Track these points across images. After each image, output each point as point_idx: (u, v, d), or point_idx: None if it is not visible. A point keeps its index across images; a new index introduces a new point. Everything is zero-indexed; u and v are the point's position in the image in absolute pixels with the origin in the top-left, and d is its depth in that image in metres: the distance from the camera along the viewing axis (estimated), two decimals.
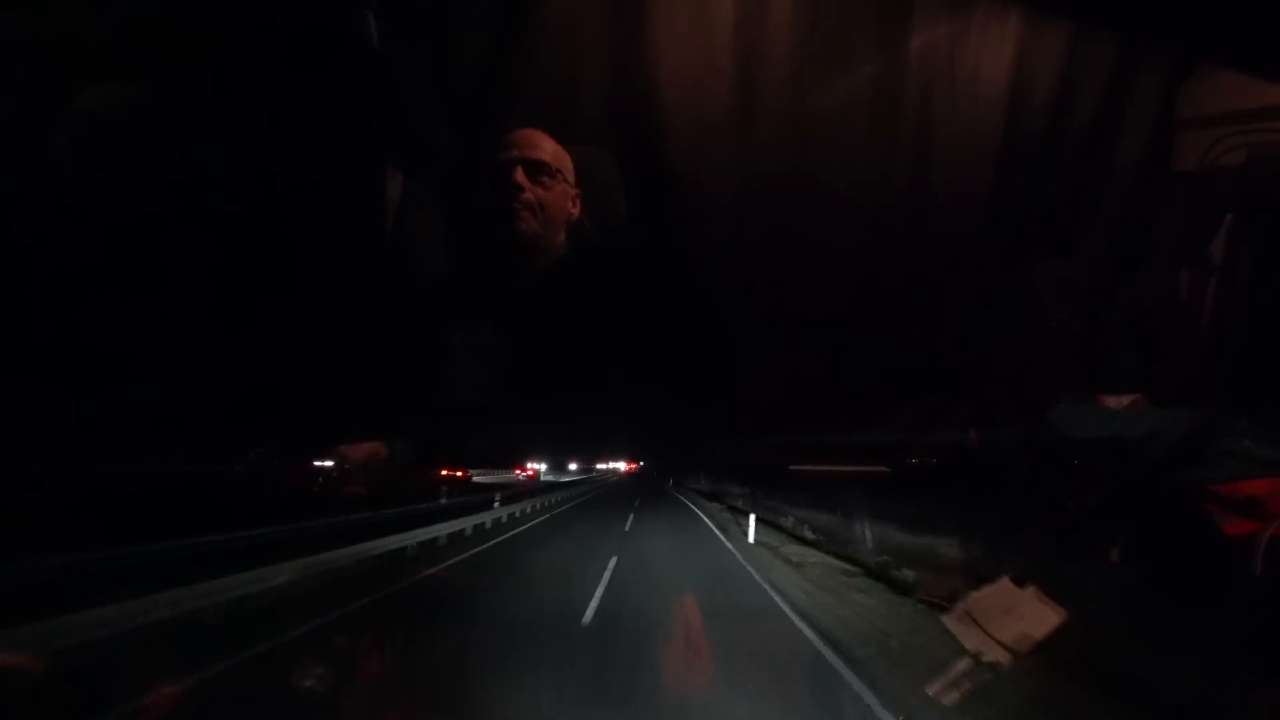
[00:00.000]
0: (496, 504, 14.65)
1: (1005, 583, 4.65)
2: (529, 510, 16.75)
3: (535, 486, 25.37)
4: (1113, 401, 3.85)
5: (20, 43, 2.52)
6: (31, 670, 3.30)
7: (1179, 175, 3.57)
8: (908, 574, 7.15)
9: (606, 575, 7.65)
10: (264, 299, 3.19)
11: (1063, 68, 3.44)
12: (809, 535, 12.01)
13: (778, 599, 6.69)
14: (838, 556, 9.51)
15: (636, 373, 3.86)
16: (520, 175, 2.96)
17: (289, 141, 2.89)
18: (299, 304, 3.26)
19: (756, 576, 7.98)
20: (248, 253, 3.05)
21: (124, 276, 2.91)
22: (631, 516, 16.08)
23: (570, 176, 3.09)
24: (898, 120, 3.43)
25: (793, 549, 10.85)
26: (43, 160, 2.72)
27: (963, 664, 4.18)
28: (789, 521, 13.94)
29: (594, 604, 6.11)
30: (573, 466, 38.39)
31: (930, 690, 3.86)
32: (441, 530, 9.69)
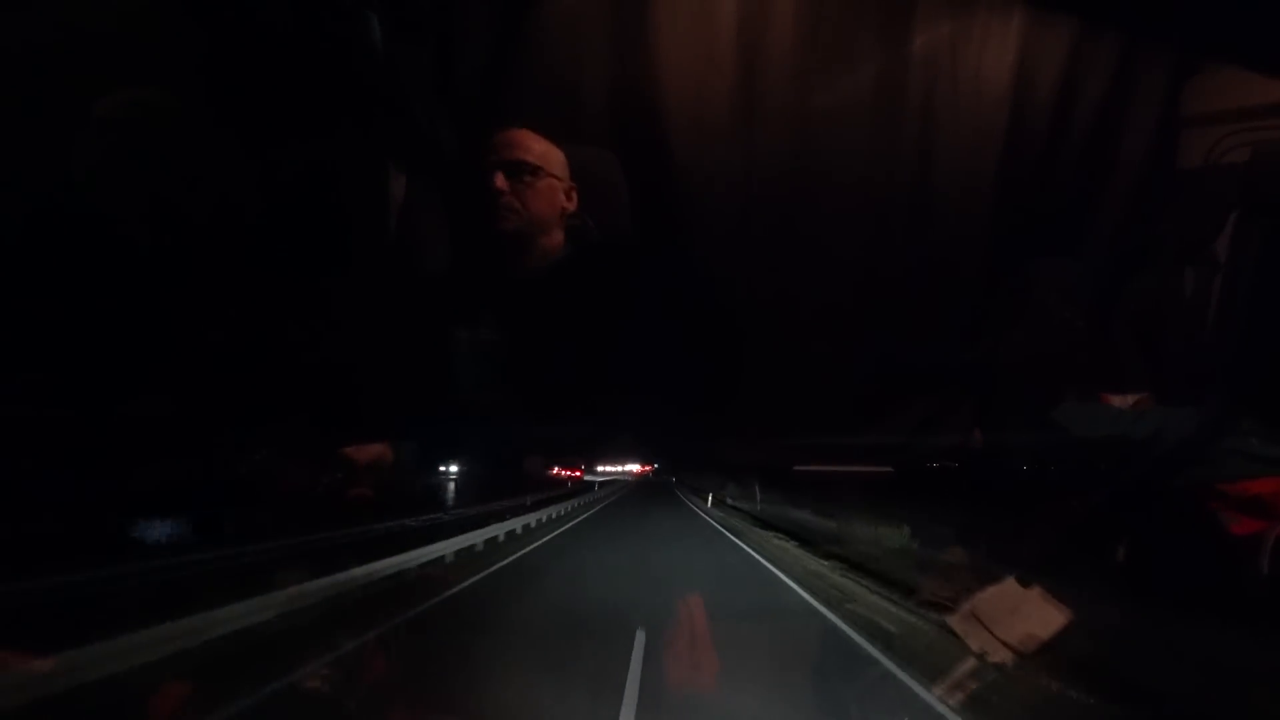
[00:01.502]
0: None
1: (1010, 582, 4.63)
2: None
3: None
4: (1117, 401, 3.83)
5: (22, 48, 2.54)
6: None
7: (1183, 173, 3.56)
8: None
9: None
10: (267, 301, 3.20)
11: (1066, 66, 3.44)
12: None
13: None
14: None
15: (644, 372, 3.85)
16: (500, 180, 2.93)
17: (290, 143, 2.91)
18: (303, 305, 3.27)
19: None
20: (251, 255, 3.06)
21: (127, 279, 2.92)
22: None
23: (560, 171, 3.07)
24: (900, 119, 3.42)
25: None
26: (49, 163, 2.74)
27: (968, 664, 4.16)
28: None
29: None
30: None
31: (936, 691, 3.84)
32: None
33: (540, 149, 3.03)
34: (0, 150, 2.68)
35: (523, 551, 12.45)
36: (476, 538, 11.80)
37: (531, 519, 16.31)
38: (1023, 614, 4.37)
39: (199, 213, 2.92)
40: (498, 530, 13.59)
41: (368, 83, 2.95)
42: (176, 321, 3.12)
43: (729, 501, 21.97)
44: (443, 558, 10.28)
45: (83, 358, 3.08)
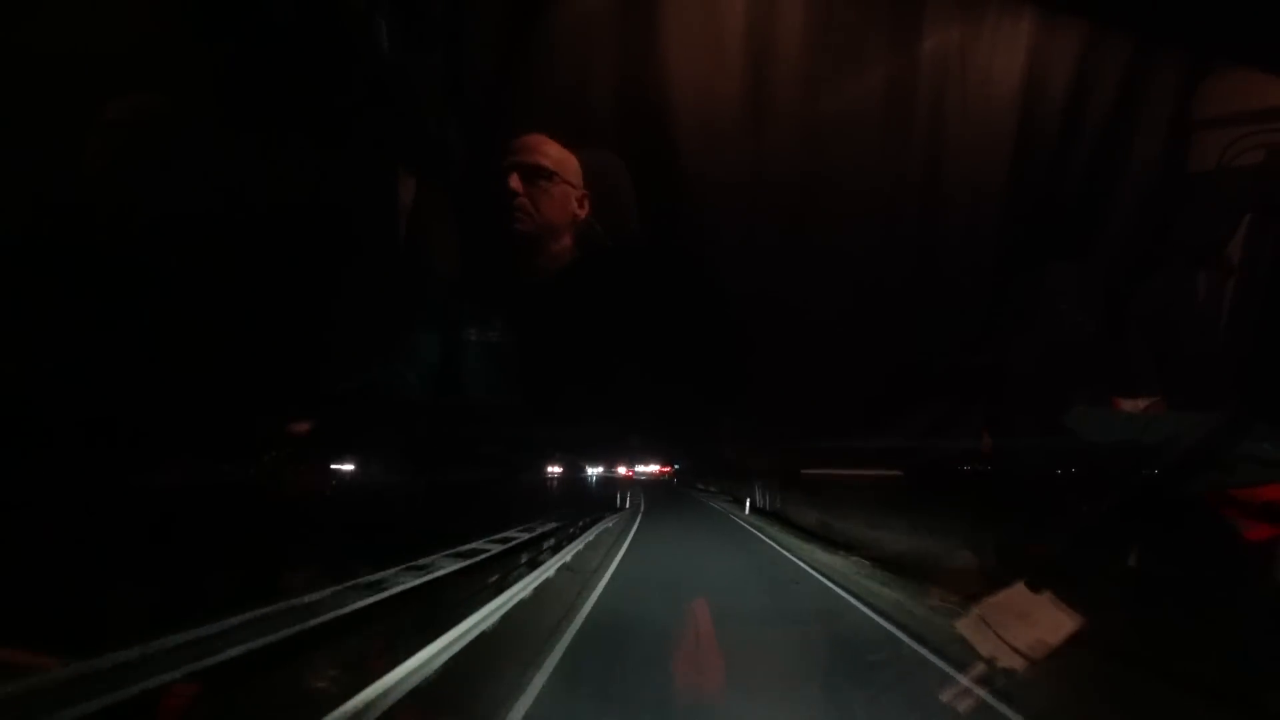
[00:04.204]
0: None
1: (1020, 587, 4.60)
2: None
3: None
4: (1129, 405, 3.80)
5: (30, 54, 2.57)
6: None
7: (1196, 175, 3.53)
8: None
9: None
10: (274, 303, 3.22)
11: (1077, 68, 3.42)
12: None
13: None
14: None
15: (655, 375, 3.86)
16: (515, 181, 2.98)
17: (300, 147, 2.92)
18: (310, 307, 3.29)
19: None
20: (259, 257, 3.08)
21: (137, 281, 2.94)
22: None
23: (574, 178, 3.10)
24: (909, 122, 3.42)
25: None
26: (65, 166, 2.77)
27: (977, 670, 4.14)
28: None
29: None
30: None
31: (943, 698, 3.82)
32: None
33: (557, 154, 3.05)
34: (16, 153, 2.71)
35: None
36: None
37: None
38: (1033, 619, 4.34)
39: (210, 216, 2.95)
40: None
41: (377, 88, 2.97)
42: (186, 324, 3.15)
43: None
44: None
45: (88, 359, 3.11)
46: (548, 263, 3.17)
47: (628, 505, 23.95)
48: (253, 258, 3.10)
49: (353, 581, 7.09)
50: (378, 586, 7.06)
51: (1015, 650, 4.24)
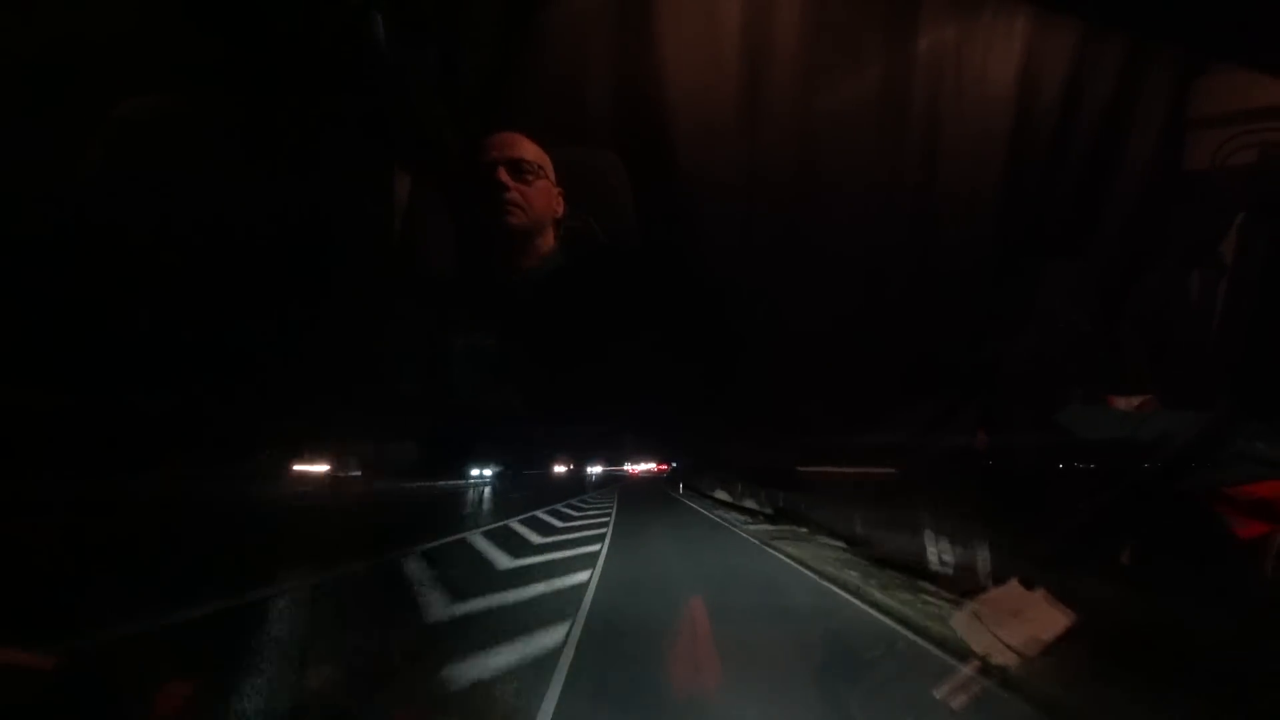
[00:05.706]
0: None
1: (1014, 585, 4.62)
2: None
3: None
4: (1123, 403, 3.82)
5: (29, 52, 2.54)
6: None
7: (1190, 174, 3.55)
8: None
9: None
10: (272, 303, 3.20)
11: (1072, 67, 3.43)
12: None
13: None
14: None
15: (652, 374, 3.85)
16: (504, 174, 2.98)
17: (296, 145, 2.91)
18: (305, 306, 3.27)
19: None
20: (254, 256, 3.06)
21: (131, 280, 2.92)
22: None
23: (552, 175, 3.11)
24: (905, 121, 3.42)
25: None
26: (58, 165, 2.74)
27: (970, 667, 4.16)
28: None
29: None
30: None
31: (937, 694, 3.83)
32: None
33: (535, 151, 3.06)
34: (13, 153, 2.69)
35: None
36: None
37: None
38: (1027, 616, 4.36)
39: (203, 215, 2.92)
40: None
41: (373, 85, 2.95)
42: (180, 323, 3.13)
43: None
44: None
45: (88, 358, 3.09)
46: (533, 260, 3.16)
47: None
48: (243, 257, 3.08)
49: None
50: None
51: (1009, 647, 4.26)
